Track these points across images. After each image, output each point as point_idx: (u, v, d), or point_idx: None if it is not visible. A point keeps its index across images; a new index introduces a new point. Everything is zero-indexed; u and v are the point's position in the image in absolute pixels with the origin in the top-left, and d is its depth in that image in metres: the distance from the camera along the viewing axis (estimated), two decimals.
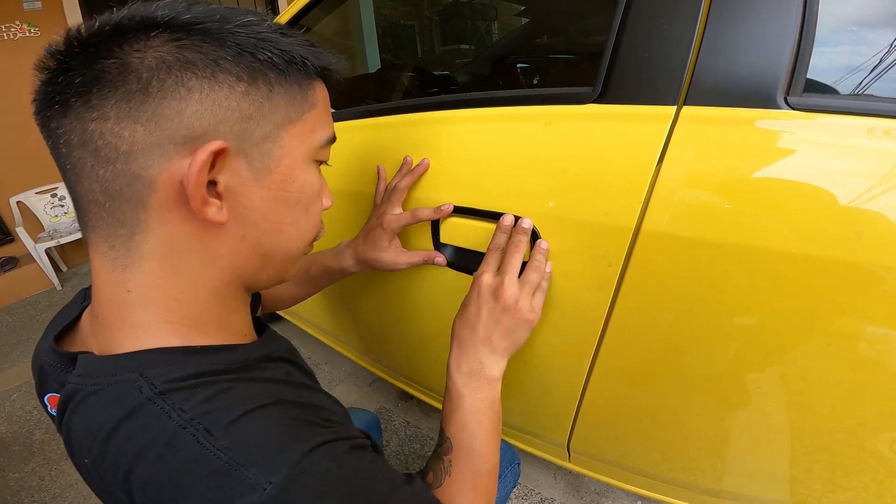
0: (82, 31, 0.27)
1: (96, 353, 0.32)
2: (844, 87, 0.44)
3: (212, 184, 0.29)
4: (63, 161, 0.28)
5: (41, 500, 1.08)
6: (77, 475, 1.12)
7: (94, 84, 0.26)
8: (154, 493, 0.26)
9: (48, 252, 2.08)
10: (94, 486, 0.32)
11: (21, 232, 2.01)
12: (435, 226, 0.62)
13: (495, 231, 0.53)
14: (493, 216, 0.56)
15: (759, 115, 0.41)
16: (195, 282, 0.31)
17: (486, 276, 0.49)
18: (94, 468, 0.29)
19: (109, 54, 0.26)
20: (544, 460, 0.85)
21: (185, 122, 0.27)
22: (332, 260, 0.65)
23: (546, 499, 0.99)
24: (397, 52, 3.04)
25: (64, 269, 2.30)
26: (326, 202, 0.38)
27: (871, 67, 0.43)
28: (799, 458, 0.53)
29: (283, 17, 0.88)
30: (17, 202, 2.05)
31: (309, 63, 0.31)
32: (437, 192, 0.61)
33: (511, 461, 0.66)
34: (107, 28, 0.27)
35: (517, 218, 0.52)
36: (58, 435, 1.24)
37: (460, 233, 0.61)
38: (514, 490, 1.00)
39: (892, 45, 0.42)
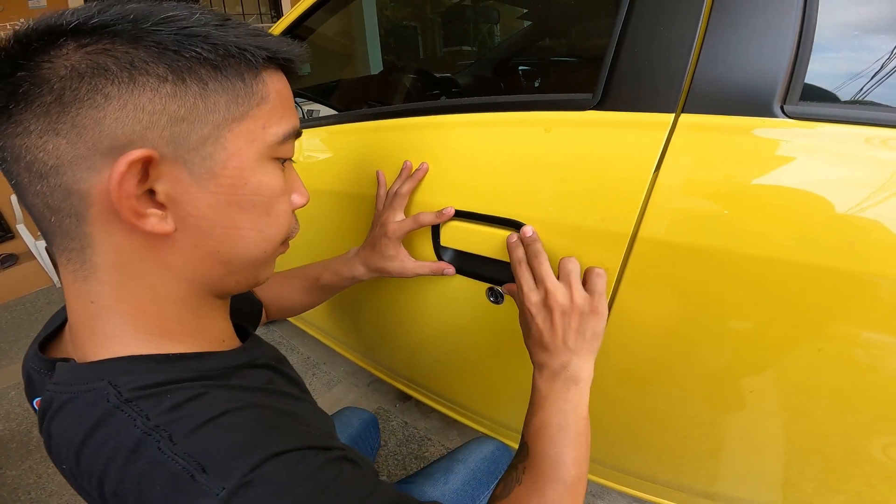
0: None
1: (76, 360, 0.32)
2: (841, 96, 0.44)
3: (151, 193, 0.27)
4: (8, 177, 0.28)
5: (38, 497, 1.08)
6: None
7: (11, 99, 0.25)
8: (123, 500, 0.27)
9: (48, 249, 2.08)
10: (76, 490, 0.32)
11: (21, 229, 2.01)
12: (435, 230, 0.63)
13: (509, 251, 0.52)
14: (494, 221, 0.57)
15: (755, 124, 0.42)
16: (157, 292, 0.30)
17: (531, 294, 0.48)
18: (73, 474, 0.29)
19: (19, 67, 0.25)
20: None
21: (106, 131, 0.26)
22: (344, 268, 0.64)
23: None
24: (400, 54, 3.05)
25: None
26: (298, 200, 0.35)
27: (868, 77, 0.43)
28: (792, 462, 0.54)
29: (287, 19, 0.88)
30: (18, 199, 2.05)
31: (249, 53, 0.29)
32: (437, 197, 0.61)
33: (508, 462, 0.67)
34: (12, 41, 0.26)
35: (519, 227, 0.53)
36: None
37: (460, 237, 0.62)
38: None
39: (887, 54, 0.42)
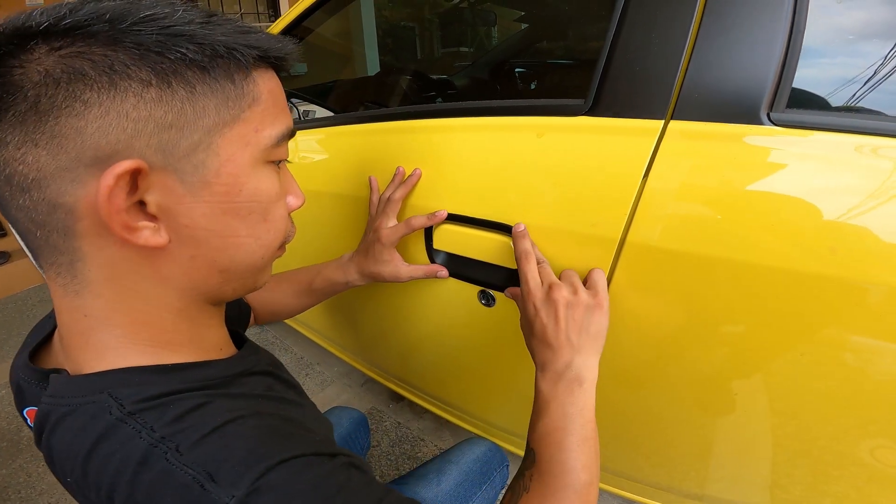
0: None
1: (69, 371, 0.31)
2: (827, 104, 0.45)
3: (141, 204, 0.26)
4: None
5: (28, 496, 1.07)
6: None
7: None
8: None
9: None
10: (81, 502, 0.31)
11: None
12: (428, 232, 0.63)
13: (515, 241, 0.52)
14: (486, 224, 0.57)
15: (741, 131, 0.43)
16: (154, 303, 0.30)
17: (536, 289, 0.47)
18: (78, 487, 0.29)
19: None
20: None
21: (88, 140, 0.24)
22: (338, 274, 0.64)
23: None
24: (397, 55, 3.05)
25: None
26: (294, 202, 0.34)
27: (854, 85, 0.44)
28: (780, 464, 0.54)
29: (285, 19, 0.88)
30: None
31: (238, 53, 0.27)
32: (430, 200, 0.62)
33: (500, 463, 0.67)
34: None
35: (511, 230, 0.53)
36: None
37: (453, 240, 0.62)
38: (501, 491, 1.00)
39: (872, 63, 0.43)
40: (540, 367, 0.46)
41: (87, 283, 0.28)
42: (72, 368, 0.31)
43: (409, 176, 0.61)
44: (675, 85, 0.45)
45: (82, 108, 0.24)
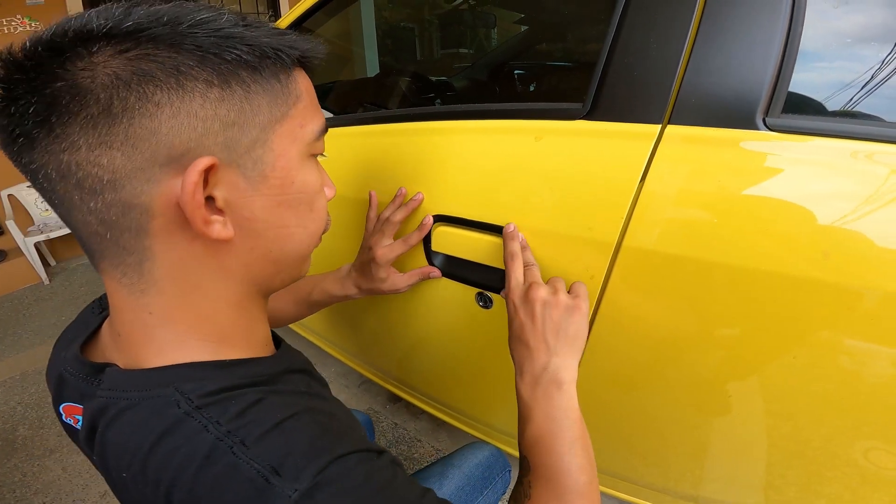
0: (17, 53, 0.24)
1: (121, 366, 0.32)
2: (823, 109, 0.45)
3: (209, 199, 0.27)
4: (49, 196, 0.27)
5: (22, 495, 1.07)
6: (59, 471, 1.11)
7: (51, 112, 0.24)
8: None
9: (37, 246, 2.06)
10: (126, 500, 0.31)
11: (11, 225, 1.99)
12: (426, 235, 0.64)
13: (505, 241, 0.53)
14: (483, 226, 0.58)
15: (738, 136, 0.43)
16: (216, 298, 0.31)
17: (517, 287, 0.48)
18: (133, 483, 0.28)
19: (54, 77, 0.23)
20: None
21: (163, 140, 0.25)
22: (336, 287, 0.65)
23: None
24: (397, 55, 3.06)
25: (52, 263, 2.28)
26: (329, 193, 0.36)
27: (850, 90, 0.44)
28: (775, 465, 0.54)
29: (286, 19, 0.89)
30: (9, 195, 2.03)
31: (283, 53, 0.28)
32: (428, 202, 0.62)
33: (502, 468, 0.67)
34: (40, 48, 0.24)
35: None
36: (42, 431, 1.23)
37: (450, 241, 0.62)
38: (503, 496, 1.00)
39: (868, 69, 0.44)
40: (518, 369, 0.47)
41: (154, 281, 0.29)
42: (127, 363, 0.31)
43: (411, 200, 0.61)
44: (673, 89, 0.45)
45: (155, 109, 0.24)
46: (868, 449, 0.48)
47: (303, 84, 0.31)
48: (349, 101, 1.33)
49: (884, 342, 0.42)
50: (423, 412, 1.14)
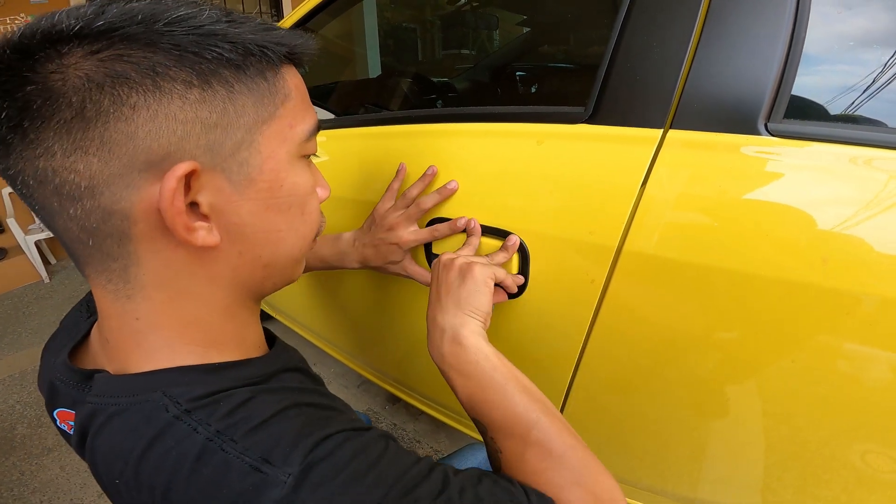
0: None
1: (110, 371, 0.31)
2: (825, 114, 0.46)
3: (194, 205, 0.26)
4: (29, 202, 0.26)
5: (20, 494, 1.07)
6: (57, 470, 1.11)
7: (24, 116, 0.23)
8: None
9: (37, 244, 2.06)
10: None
11: (11, 223, 1.99)
12: None
13: (466, 230, 0.55)
14: (484, 230, 0.58)
15: (739, 141, 0.43)
16: (204, 303, 0.30)
17: (441, 257, 0.50)
18: (126, 489, 0.28)
19: (25, 81, 0.22)
20: None
21: (140, 145, 0.24)
22: (335, 258, 0.63)
23: None
24: (399, 56, 3.06)
25: (53, 261, 2.28)
26: (323, 193, 0.35)
27: (852, 95, 0.44)
28: (772, 468, 0.55)
29: (289, 20, 0.89)
30: (10, 193, 2.03)
31: (269, 50, 0.27)
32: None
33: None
34: (8, 51, 0.22)
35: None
36: (40, 430, 1.23)
37: (450, 245, 0.62)
38: None
39: (871, 73, 0.44)
40: (428, 339, 0.46)
41: (140, 287, 0.28)
42: (116, 369, 0.31)
43: (444, 187, 0.57)
44: (675, 94, 0.45)
45: (130, 112, 0.23)
46: (865, 452, 0.48)
47: (292, 82, 0.30)
48: (351, 102, 1.33)
49: (881, 347, 0.42)
50: (423, 413, 1.14)
